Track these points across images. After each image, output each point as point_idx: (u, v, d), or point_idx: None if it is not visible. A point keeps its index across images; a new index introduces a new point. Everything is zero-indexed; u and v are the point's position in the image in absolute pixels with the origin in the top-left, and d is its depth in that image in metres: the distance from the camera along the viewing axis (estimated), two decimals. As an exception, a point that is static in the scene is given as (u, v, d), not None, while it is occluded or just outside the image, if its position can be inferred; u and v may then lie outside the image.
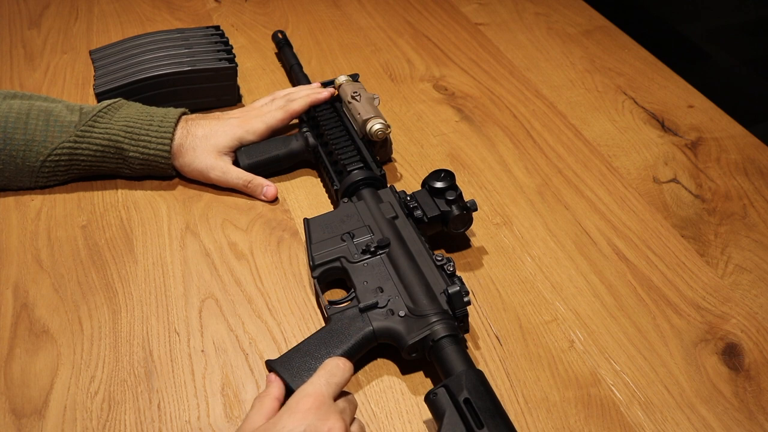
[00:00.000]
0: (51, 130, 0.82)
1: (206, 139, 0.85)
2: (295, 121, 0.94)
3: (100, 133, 0.83)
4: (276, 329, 0.71)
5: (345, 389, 0.59)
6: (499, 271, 0.77)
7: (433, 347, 0.63)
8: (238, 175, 0.85)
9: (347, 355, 0.65)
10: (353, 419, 0.58)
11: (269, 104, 0.91)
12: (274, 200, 0.86)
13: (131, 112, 0.85)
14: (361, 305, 0.67)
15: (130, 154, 0.83)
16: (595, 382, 0.66)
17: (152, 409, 0.64)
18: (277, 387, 0.60)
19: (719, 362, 0.67)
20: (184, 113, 0.87)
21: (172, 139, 0.84)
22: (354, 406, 0.58)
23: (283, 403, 0.58)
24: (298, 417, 0.52)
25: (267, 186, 0.85)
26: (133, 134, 0.83)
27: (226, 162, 0.86)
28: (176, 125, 0.85)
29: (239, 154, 0.87)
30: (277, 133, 0.91)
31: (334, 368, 0.57)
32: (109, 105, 0.85)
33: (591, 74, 1.10)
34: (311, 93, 0.92)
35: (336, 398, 0.56)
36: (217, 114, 0.90)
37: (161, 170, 0.86)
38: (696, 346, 0.69)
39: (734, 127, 0.98)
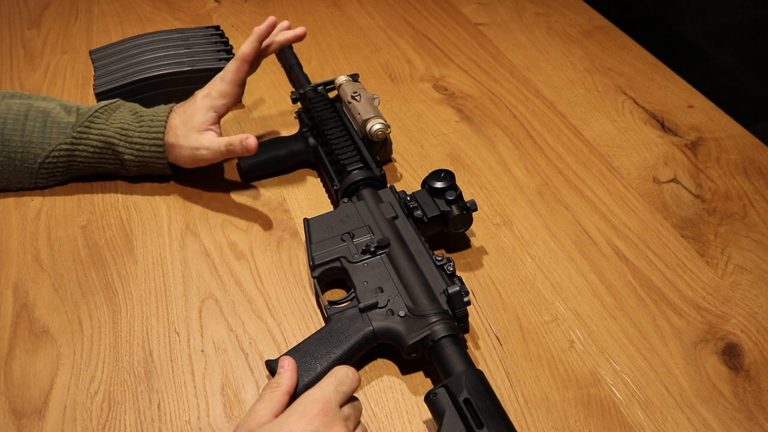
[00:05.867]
0: (48, 131, 0.82)
1: (184, 125, 0.83)
2: (296, 121, 0.94)
3: (96, 135, 0.82)
4: (276, 329, 0.71)
5: None
6: (499, 271, 0.77)
7: (432, 347, 0.63)
8: (220, 142, 0.81)
9: (347, 355, 0.65)
10: (358, 423, 0.58)
11: (226, 66, 0.86)
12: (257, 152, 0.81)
13: (125, 114, 0.84)
14: (361, 305, 0.67)
15: (126, 156, 0.83)
16: (595, 382, 0.66)
17: (152, 409, 0.64)
18: (289, 379, 0.60)
19: (719, 362, 0.67)
20: (172, 109, 0.85)
21: (163, 139, 0.82)
22: (359, 411, 0.59)
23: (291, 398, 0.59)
24: (305, 421, 0.53)
25: (245, 138, 0.79)
26: (127, 137, 0.82)
27: (208, 136, 0.82)
28: (166, 125, 0.83)
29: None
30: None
31: (344, 377, 0.58)
32: (106, 106, 0.84)
33: (591, 74, 1.10)
34: (254, 29, 0.85)
35: (342, 404, 0.57)
36: (193, 95, 0.86)
37: (159, 170, 0.85)
38: (696, 346, 0.69)
39: (734, 127, 0.98)
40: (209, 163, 0.83)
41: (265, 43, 0.87)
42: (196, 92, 0.86)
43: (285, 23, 0.89)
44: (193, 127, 0.82)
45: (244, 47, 0.84)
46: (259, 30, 0.85)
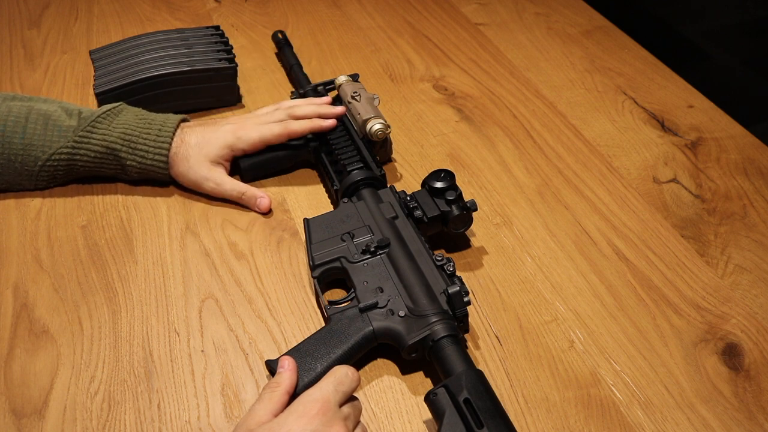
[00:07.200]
0: (49, 134, 0.82)
1: (199, 148, 0.83)
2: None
3: (98, 140, 0.82)
4: (276, 329, 0.71)
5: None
6: (499, 271, 0.77)
7: (433, 347, 0.63)
8: (233, 187, 0.83)
9: (347, 355, 0.65)
10: (358, 422, 0.58)
11: (271, 114, 0.87)
12: (268, 212, 0.84)
13: (130, 118, 0.84)
14: (361, 305, 0.67)
15: (128, 162, 0.83)
16: (595, 382, 0.66)
17: (152, 409, 0.64)
18: (289, 379, 0.60)
19: (719, 362, 0.67)
20: (184, 120, 0.86)
21: (169, 149, 0.82)
22: (359, 411, 0.59)
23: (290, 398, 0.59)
24: (304, 421, 0.53)
25: (261, 197, 0.83)
26: (130, 142, 0.82)
27: (220, 173, 0.84)
28: (174, 134, 0.83)
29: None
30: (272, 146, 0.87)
31: (343, 377, 0.58)
32: (109, 110, 0.84)
33: (591, 74, 1.10)
34: (316, 119, 0.87)
35: (342, 404, 0.57)
36: (215, 119, 0.89)
37: (159, 178, 0.85)
38: (696, 346, 0.69)
39: (734, 127, 0.98)
40: (208, 194, 0.85)
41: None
42: (221, 120, 0.87)
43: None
44: (207, 156, 0.83)
45: (297, 127, 0.85)
46: (321, 126, 0.86)
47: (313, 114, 0.87)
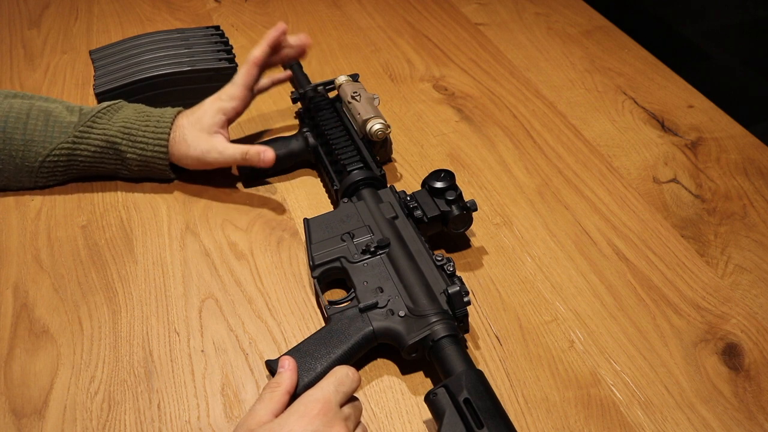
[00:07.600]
0: (50, 130, 0.82)
1: (192, 126, 0.83)
2: (296, 121, 0.94)
3: (99, 134, 0.82)
4: (276, 329, 0.71)
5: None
6: (499, 271, 0.77)
7: (432, 347, 0.63)
8: (235, 150, 0.83)
9: (347, 355, 0.65)
10: (358, 423, 0.58)
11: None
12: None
13: (129, 113, 0.84)
14: (361, 305, 0.67)
15: (128, 155, 0.83)
16: (595, 382, 0.66)
17: (152, 409, 0.64)
18: (289, 379, 0.60)
19: (719, 362, 0.67)
20: (180, 112, 0.86)
21: (168, 140, 0.83)
22: (359, 411, 0.59)
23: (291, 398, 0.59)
24: (305, 421, 0.53)
25: (264, 151, 0.82)
26: (130, 136, 0.82)
27: (220, 140, 0.83)
28: (172, 125, 0.84)
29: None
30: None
31: (344, 377, 0.58)
32: (109, 106, 0.85)
33: (591, 74, 1.10)
34: (268, 33, 0.86)
35: (343, 404, 0.57)
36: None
37: (159, 172, 0.85)
38: (696, 346, 0.69)
39: (734, 127, 0.98)
40: (216, 167, 0.85)
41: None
42: (204, 100, 0.86)
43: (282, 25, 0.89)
44: (203, 129, 0.83)
45: (255, 51, 0.85)
46: (271, 36, 0.85)
47: (263, 41, 0.86)
